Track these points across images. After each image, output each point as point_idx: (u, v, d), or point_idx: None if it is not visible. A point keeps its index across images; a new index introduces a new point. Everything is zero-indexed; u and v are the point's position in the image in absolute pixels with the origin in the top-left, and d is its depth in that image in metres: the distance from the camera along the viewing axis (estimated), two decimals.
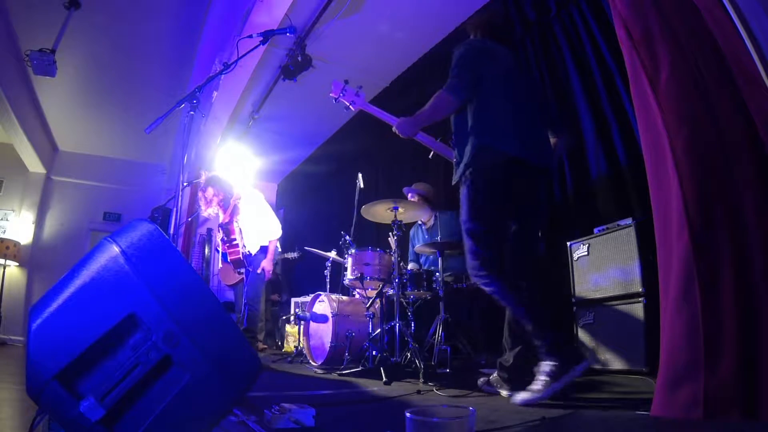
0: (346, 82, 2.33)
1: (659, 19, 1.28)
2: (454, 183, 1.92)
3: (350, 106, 2.33)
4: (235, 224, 3.41)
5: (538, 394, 1.55)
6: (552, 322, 1.70)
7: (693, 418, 1.03)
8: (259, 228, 3.46)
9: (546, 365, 1.60)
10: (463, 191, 1.83)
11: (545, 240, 2.83)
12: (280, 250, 3.60)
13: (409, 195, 3.52)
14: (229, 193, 3.51)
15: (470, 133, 1.82)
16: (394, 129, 1.99)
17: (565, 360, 1.58)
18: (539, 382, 1.58)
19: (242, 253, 3.39)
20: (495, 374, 1.90)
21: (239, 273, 3.54)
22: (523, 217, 1.88)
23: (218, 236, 3.49)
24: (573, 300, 2.60)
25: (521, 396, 1.60)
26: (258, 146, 6.02)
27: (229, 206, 3.51)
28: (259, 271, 3.38)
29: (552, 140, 2.02)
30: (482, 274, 1.75)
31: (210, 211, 3.50)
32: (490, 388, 1.89)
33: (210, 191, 3.46)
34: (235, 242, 3.42)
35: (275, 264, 5.90)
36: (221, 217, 3.57)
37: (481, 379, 1.97)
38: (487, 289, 1.77)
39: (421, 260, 3.69)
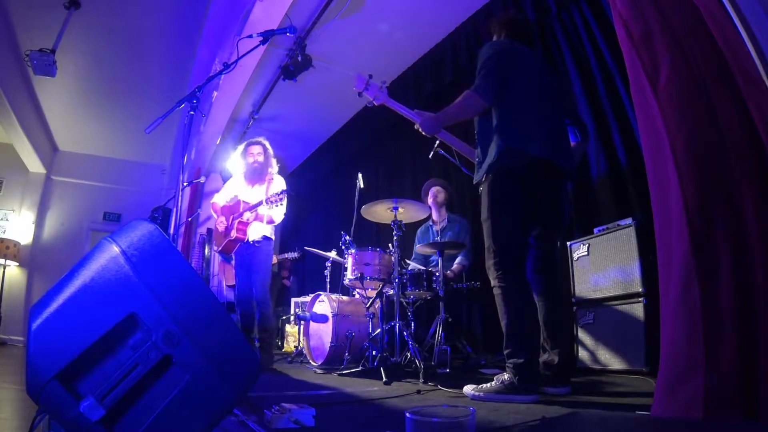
0: (371, 76, 2.29)
1: (659, 19, 1.28)
2: (475, 182, 1.93)
3: (373, 101, 2.29)
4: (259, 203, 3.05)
5: (483, 393, 1.66)
6: (536, 347, 1.75)
7: (693, 418, 1.03)
8: (271, 214, 3.16)
9: (507, 376, 1.66)
10: (484, 189, 1.85)
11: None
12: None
13: (432, 190, 3.59)
14: (269, 166, 3.30)
15: (495, 134, 1.82)
16: (416, 126, 2.01)
17: (527, 381, 1.62)
18: (495, 384, 1.66)
19: (247, 236, 3.07)
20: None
21: (229, 263, 3.21)
22: (545, 219, 1.89)
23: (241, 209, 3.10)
24: (573, 300, 2.60)
25: (469, 388, 1.71)
26: None
27: (266, 176, 3.26)
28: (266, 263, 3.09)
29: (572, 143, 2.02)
30: (497, 275, 1.76)
31: (260, 158, 3.25)
32: None
33: (269, 150, 3.30)
34: (247, 220, 3.08)
35: (282, 265, 5.88)
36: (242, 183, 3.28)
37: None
38: (495, 289, 1.77)
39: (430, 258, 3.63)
